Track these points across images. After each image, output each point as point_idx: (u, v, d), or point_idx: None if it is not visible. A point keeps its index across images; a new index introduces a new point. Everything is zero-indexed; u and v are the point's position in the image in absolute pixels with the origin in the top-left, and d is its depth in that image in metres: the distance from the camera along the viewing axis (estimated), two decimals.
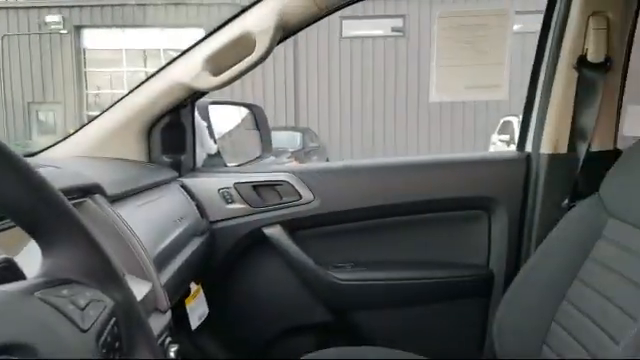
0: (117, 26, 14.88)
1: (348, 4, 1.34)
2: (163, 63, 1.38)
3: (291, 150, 9.42)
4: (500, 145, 8.79)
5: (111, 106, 1.40)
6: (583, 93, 1.35)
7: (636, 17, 1.35)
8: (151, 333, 0.59)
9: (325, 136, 13.38)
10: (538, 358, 1.20)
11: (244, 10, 1.32)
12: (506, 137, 8.59)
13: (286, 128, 11.53)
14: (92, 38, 15.39)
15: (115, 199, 1.01)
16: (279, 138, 9.96)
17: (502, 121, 9.50)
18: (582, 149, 1.36)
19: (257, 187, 1.49)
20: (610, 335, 1.00)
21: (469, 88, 1.46)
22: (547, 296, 1.20)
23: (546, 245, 1.25)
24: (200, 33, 11.53)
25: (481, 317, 1.49)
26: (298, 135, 10.76)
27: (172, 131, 1.44)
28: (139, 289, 0.81)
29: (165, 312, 0.89)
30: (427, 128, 13.50)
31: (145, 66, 14.88)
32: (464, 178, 1.49)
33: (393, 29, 14.16)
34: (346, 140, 13.75)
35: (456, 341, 1.51)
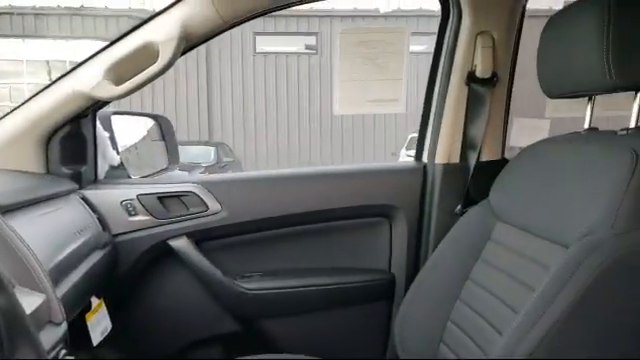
0: (16, 36, 14.10)
1: (253, 17, 1.37)
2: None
3: (205, 165, 9.29)
4: (408, 159, 9.13)
5: (6, 115, 1.34)
6: (473, 107, 1.46)
7: (519, 36, 1.47)
8: (36, 341, 0.58)
9: (240, 150, 13.31)
10: (436, 358, 1.26)
11: (147, 20, 1.31)
12: (413, 152, 8.93)
13: (199, 142, 11.36)
14: None
15: (7, 210, 0.97)
16: (192, 153, 9.79)
17: (410, 137, 9.88)
18: (473, 159, 1.46)
19: (162, 198, 1.47)
20: (496, 329, 1.08)
21: (370, 102, 1.53)
22: (443, 297, 1.27)
23: (441, 249, 1.33)
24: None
25: (385, 321, 1.55)
26: (212, 150, 10.63)
27: (72, 141, 1.39)
28: (30, 300, 0.79)
29: (60, 324, 0.86)
30: (340, 142, 13.78)
31: (50, 78, 14.18)
32: (366, 187, 1.55)
33: (307, 46, 14.39)
34: (261, 154, 13.75)
35: (361, 345, 1.56)
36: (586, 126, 1.21)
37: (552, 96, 1.21)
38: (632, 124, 1.09)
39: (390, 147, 12.33)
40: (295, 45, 14.41)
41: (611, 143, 1.04)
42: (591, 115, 1.21)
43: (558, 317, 0.88)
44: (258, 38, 13.86)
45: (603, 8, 1.00)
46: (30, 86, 14.51)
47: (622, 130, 1.10)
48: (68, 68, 1.34)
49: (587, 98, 1.20)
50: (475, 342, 1.14)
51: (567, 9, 1.12)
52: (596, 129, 1.20)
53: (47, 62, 14.61)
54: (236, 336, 1.53)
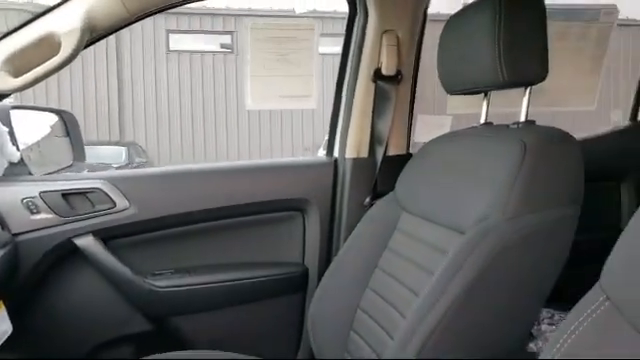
0: None
1: (160, 10, 1.35)
2: None
3: (115, 166, 8.95)
4: None
5: None
6: (380, 103, 1.52)
7: (422, 35, 1.55)
8: None
9: (154, 150, 12.92)
10: (346, 345, 1.30)
11: (49, 10, 1.26)
12: None
13: (110, 143, 10.93)
14: None
15: None
16: (102, 153, 9.40)
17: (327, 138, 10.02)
18: (380, 153, 1.52)
19: (66, 195, 1.42)
20: (401, 313, 1.14)
21: (282, 97, 1.56)
22: (353, 286, 1.32)
23: (351, 240, 1.37)
24: None
25: (299, 313, 1.57)
26: (123, 150, 10.26)
27: None
28: None
29: None
30: (258, 138, 13.71)
31: None
32: (279, 182, 1.57)
33: (222, 45, 14.22)
34: (176, 154, 13.42)
35: (276, 338, 1.58)
36: (482, 121, 1.30)
37: (451, 93, 1.28)
38: (522, 118, 1.19)
39: (306, 143, 12.44)
40: (211, 43, 14.20)
41: (503, 136, 1.12)
42: (487, 110, 1.30)
43: (455, 298, 0.94)
44: (172, 36, 13.52)
45: (494, 12, 1.08)
46: None
47: (514, 124, 1.19)
48: None
49: (483, 94, 1.29)
50: (382, 327, 1.19)
51: (463, 12, 1.19)
52: (491, 123, 1.29)
53: None
54: (147, 335, 1.51)
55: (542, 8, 1.12)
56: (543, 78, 1.13)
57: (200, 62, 13.93)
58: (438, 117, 1.70)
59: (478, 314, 0.96)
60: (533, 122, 1.17)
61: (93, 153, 8.83)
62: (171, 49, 13.79)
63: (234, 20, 13.73)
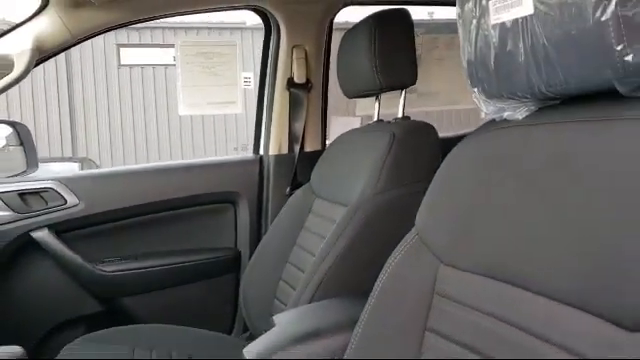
0: None
1: (103, 32, 1.58)
2: None
3: None
4: None
5: None
6: (294, 107, 1.79)
7: (329, 47, 1.82)
8: None
9: (107, 164, 12.87)
10: (271, 312, 1.54)
11: (2, 34, 1.47)
12: None
13: (63, 159, 10.86)
14: None
15: None
16: (55, 170, 9.37)
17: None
18: (297, 150, 1.79)
19: (22, 195, 1.62)
20: (309, 274, 1.33)
21: (210, 104, 1.81)
22: (276, 263, 1.57)
23: (275, 224, 1.63)
24: None
25: (233, 290, 1.81)
26: (76, 165, 10.21)
27: None
28: None
29: None
30: (202, 141, 13.79)
31: None
32: (212, 177, 1.81)
33: (175, 58, 14.30)
34: (130, 164, 13.33)
35: (213, 315, 1.81)
36: (375, 119, 1.57)
37: (349, 96, 1.55)
38: (399, 114, 1.47)
39: (234, 143, 12.71)
40: (164, 57, 14.27)
41: (381, 129, 1.40)
42: (378, 110, 1.58)
43: (338, 254, 1.21)
44: (122, 50, 13.53)
45: (371, 31, 1.36)
46: None
47: (393, 119, 1.47)
48: None
49: (375, 97, 1.56)
50: (294, 288, 1.44)
51: (351, 30, 1.47)
52: (382, 121, 1.56)
53: None
54: (98, 315, 1.71)
55: (409, 23, 1.40)
56: (413, 82, 1.41)
57: (152, 74, 13.98)
58: (348, 118, 1.97)
59: (358, 266, 1.22)
60: (408, 118, 1.45)
61: (45, 170, 8.80)
62: (122, 63, 13.81)
63: (185, 33, 13.82)
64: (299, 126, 1.78)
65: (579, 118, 0.64)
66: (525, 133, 0.72)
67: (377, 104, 1.57)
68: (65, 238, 1.67)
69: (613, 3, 0.54)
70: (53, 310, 1.68)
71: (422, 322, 0.86)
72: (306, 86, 1.77)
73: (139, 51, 13.64)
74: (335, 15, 1.78)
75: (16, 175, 1.83)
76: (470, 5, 0.75)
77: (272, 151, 1.83)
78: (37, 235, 1.62)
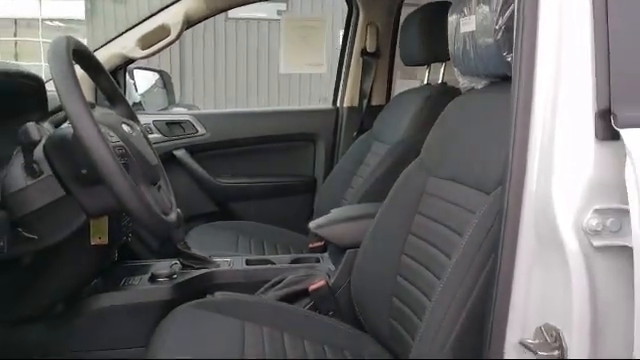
0: None
1: (228, 9, 2.19)
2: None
3: None
4: None
5: None
6: (365, 71, 2.33)
7: (397, 24, 2.32)
8: None
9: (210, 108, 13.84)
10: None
11: (163, 8, 2.12)
12: None
13: (175, 105, 11.98)
14: None
15: None
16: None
17: None
18: (364, 104, 2.34)
19: (168, 123, 2.30)
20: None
21: (304, 64, 2.40)
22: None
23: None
24: (80, 4, 11.42)
25: (310, 205, 2.41)
26: (184, 111, 11.28)
27: None
28: None
29: None
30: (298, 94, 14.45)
31: (15, 35, 14.43)
32: (299, 121, 2.43)
33: (279, 12, 14.95)
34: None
35: (293, 218, 2.36)
36: (425, 82, 2.07)
37: (406, 64, 2.06)
38: (439, 81, 1.96)
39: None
40: (266, 12, 14.99)
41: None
42: (428, 76, 2.07)
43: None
44: None
45: (424, 17, 1.84)
46: (2, 43, 14.82)
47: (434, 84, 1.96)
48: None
49: (426, 66, 2.05)
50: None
51: (411, 14, 1.94)
52: (429, 84, 2.05)
53: (15, 20, 14.86)
54: (214, 213, 2.38)
55: None
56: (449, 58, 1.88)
57: (257, 29, 14.76)
58: (409, 81, 2.48)
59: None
60: (445, 83, 1.94)
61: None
62: (229, 17, 14.68)
63: None
64: (367, 85, 2.33)
65: (493, 90, 1.16)
66: (478, 96, 1.24)
67: (427, 71, 2.07)
68: (195, 157, 2.34)
69: (502, 30, 1.05)
70: (185, 207, 2.34)
71: (415, 209, 1.29)
72: (375, 54, 2.31)
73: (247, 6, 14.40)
74: (402, 2, 2.29)
75: (163, 109, 2.54)
76: (453, 17, 1.27)
77: (346, 103, 2.40)
78: (177, 153, 2.30)
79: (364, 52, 2.31)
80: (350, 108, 2.39)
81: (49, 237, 1.16)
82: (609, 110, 0.76)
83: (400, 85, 2.55)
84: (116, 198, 1.06)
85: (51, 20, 12.49)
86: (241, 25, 14.64)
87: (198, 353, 1.17)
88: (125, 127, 1.26)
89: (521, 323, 0.83)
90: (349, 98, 2.39)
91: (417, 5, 1.98)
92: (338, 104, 2.45)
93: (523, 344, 0.81)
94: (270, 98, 14.80)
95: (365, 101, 2.34)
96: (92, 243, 1.32)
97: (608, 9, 0.77)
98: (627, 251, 0.74)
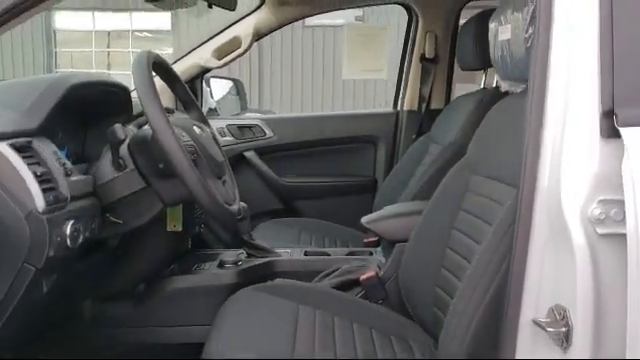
0: (87, 9, 15.41)
1: (295, 21, 2.35)
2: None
3: None
4: None
5: None
6: (424, 76, 2.43)
7: (455, 30, 2.41)
8: None
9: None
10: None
11: (234, 23, 2.32)
12: None
13: (250, 110, 12.42)
14: (63, 20, 15.82)
15: None
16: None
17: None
18: (423, 108, 2.44)
19: (239, 127, 2.50)
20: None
21: (364, 71, 2.53)
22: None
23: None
24: (167, 16, 12.04)
25: (370, 203, 2.52)
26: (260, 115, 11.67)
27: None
28: None
29: None
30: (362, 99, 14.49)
31: (108, 46, 15.46)
32: (361, 124, 2.56)
33: (357, 18, 15.15)
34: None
35: (353, 216, 2.48)
36: (482, 86, 2.15)
37: (463, 69, 2.14)
38: (493, 85, 2.03)
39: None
40: (344, 17, 15.21)
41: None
42: (484, 80, 2.15)
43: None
44: None
45: (476, 25, 1.93)
46: (97, 54, 15.94)
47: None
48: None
49: (483, 70, 2.13)
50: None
51: (466, 23, 2.02)
52: (485, 88, 2.13)
53: (108, 33, 15.93)
54: (279, 210, 2.55)
55: None
56: None
57: (333, 35, 15.01)
58: (468, 85, 2.55)
59: None
60: (497, 87, 2.01)
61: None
62: (306, 25, 15.03)
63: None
64: (426, 90, 2.42)
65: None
66: (516, 99, 1.32)
67: (484, 76, 2.14)
68: (263, 158, 2.52)
69: (531, 38, 1.13)
70: (253, 204, 2.53)
71: (459, 205, 1.39)
72: (434, 60, 2.40)
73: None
74: (461, 9, 2.37)
75: (236, 114, 2.75)
76: (492, 25, 1.35)
77: (406, 107, 2.51)
78: (247, 154, 2.49)
79: (423, 58, 2.41)
80: (410, 111, 2.49)
81: (132, 222, 1.36)
82: (612, 111, 0.84)
83: (459, 89, 2.62)
84: (187, 189, 1.24)
85: (140, 32, 13.32)
86: (317, 32, 14.96)
87: (255, 330, 1.32)
88: (196, 129, 1.45)
89: (534, 304, 0.92)
90: (409, 102, 2.49)
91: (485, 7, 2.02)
92: (398, 108, 2.56)
93: (535, 322, 0.90)
94: (345, 103, 15.02)
95: (424, 105, 2.44)
96: (168, 229, 1.52)
97: (613, 25, 0.86)
98: None
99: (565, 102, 0.88)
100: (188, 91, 1.62)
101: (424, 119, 2.43)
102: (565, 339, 0.86)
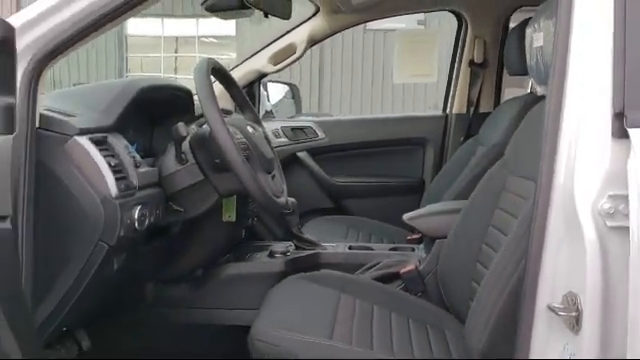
0: (156, 15, 16.11)
1: (346, 28, 2.47)
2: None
3: None
4: None
5: None
6: (473, 80, 2.49)
7: (504, 36, 2.45)
8: None
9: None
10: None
11: (289, 31, 2.46)
12: None
13: (309, 114, 12.62)
14: (134, 26, 16.59)
15: None
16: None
17: None
18: (471, 111, 2.50)
19: (293, 129, 2.64)
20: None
21: (415, 75, 2.62)
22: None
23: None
24: (232, 23, 12.42)
25: (417, 202, 2.60)
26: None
27: (248, 95, 2.58)
28: None
29: None
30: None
31: (176, 52, 16.08)
32: (411, 126, 2.64)
33: (419, 22, 15.10)
34: None
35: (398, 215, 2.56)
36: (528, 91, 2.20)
37: (510, 74, 2.19)
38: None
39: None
40: (404, 22, 15.20)
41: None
42: (531, 85, 2.19)
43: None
44: None
45: (522, 30, 1.99)
46: (165, 59, 16.61)
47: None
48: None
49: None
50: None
51: (512, 29, 2.09)
52: (531, 92, 2.17)
53: (176, 38, 16.56)
54: (330, 209, 2.66)
55: None
56: None
57: (393, 39, 14.98)
58: (516, 89, 2.59)
59: None
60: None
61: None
62: (368, 28, 15.10)
63: None
64: (475, 94, 2.49)
65: None
66: None
67: (531, 80, 2.18)
68: (315, 158, 2.64)
69: None
70: (304, 202, 2.65)
71: (495, 204, 1.46)
72: (483, 65, 2.46)
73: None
74: (509, 16, 2.42)
75: (291, 117, 2.90)
76: (528, 32, 1.42)
77: (455, 110, 2.58)
78: (300, 155, 2.62)
79: (472, 63, 2.47)
80: (458, 115, 2.56)
81: (191, 210, 1.52)
82: (623, 113, 0.91)
83: (509, 94, 2.66)
84: (239, 182, 1.39)
85: (207, 37, 13.79)
86: (378, 36, 15.03)
87: (298, 313, 1.44)
88: (249, 128, 1.59)
89: (550, 291, 0.99)
90: (458, 105, 2.56)
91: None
92: (448, 111, 2.63)
93: (550, 307, 0.98)
94: (405, 106, 14.96)
95: (472, 108, 2.50)
96: (223, 220, 1.67)
97: (626, 33, 0.93)
98: None
99: (580, 105, 0.96)
100: (244, 94, 1.77)
101: (472, 122, 2.49)
102: (576, 323, 0.93)
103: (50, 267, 1.22)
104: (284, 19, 1.93)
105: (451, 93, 2.61)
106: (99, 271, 1.27)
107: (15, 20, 1.12)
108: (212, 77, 1.52)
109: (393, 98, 14.29)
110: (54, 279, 1.24)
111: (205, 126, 1.51)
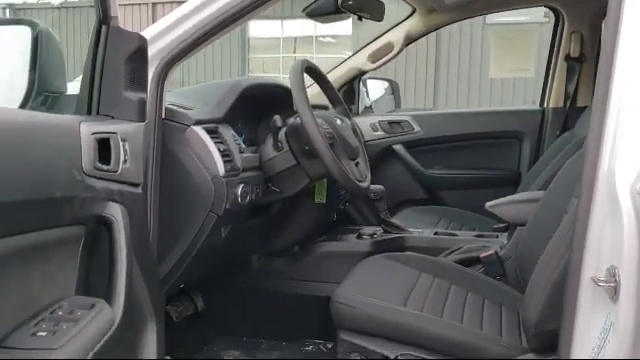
0: (276, 18, 16.84)
1: (440, 28, 2.58)
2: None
3: None
4: None
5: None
6: (569, 74, 2.50)
7: (600, 32, 2.44)
8: None
9: None
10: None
11: (387, 30, 2.62)
12: None
13: (424, 109, 12.57)
14: (255, 28, 17.46)
15: None
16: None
17: None
18: (567, 105, 2.51)
19: (391, 123, 2.79)
20: None
21: (512, 70, 2.67)
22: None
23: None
24: (348, 23, 12.76)
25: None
26: None
27: (349, 92, 2.77)
28: None
29: None
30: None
31: (294, 52, 16.67)
32: (508, 120, 2.70)
33: (545, 14, 14.44)
34: None
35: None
36: None
37: None
38: None
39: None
40: (528, 15, 14.57)
41: None
42: None
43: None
44: None
45: None
46: (284, 59, 17.29)
47: None
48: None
49: None
50: None
51: None
52: None
53: (294, 39, 17.15)
54: (425, 200, 2.76)
55: None
56: None
57: (515, 34, 14.44)
58: None
59: None
60: None
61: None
62: (487, 22, 14.67)
63: None
64: (571, 88, 2.49)
65: None
66: None
67: None
68: (411, 151, 2.77)
69: None
70: (399, 192, 2.78)
71: (571, 192, 1.38)
72: (579, 59, 2.46)
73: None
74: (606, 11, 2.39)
75: (390, 112, 3.05)
76: None
77: (551, 104, 2.59)
78: (396, 147, 2.76)
79: (568, 57, 2.48)
80: (555, 109, 2.58)
81: (287, 191, 1.76)
82: None
83: None
84: (325, 166, 1.59)
85: (324, 37, 14.21)
86: (499, 30, 14.57)
87: (377, 283, 1.61)
88: (338, 120, 1.79)
89: (595, 265, 1.08)
90: (554, 99, 2.58)
91: None
92: (545, 105, 2.65)
93: (593, 279, 1.07)
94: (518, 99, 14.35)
95: (569, 102, 2.51)
96: (315, 201, 1.89)
97: None
98: None
99: (622, 101, 1.05)
100: (335, 91, 1.97)
101: (569, 116, 2.50)
102: (614, 292, 1.02)
103: (170, 231, 1.49)
104: (378, 21, 2.10)
105: (548, 87, 2.63)
106: (209, 237, 1.53)
107: (148, 32, 1.40)
108: (307, 76, 1.74)
109: (513, 94, 13.83)
110: (173, 242, 1.51)
111: (297, 118, 1.73)
